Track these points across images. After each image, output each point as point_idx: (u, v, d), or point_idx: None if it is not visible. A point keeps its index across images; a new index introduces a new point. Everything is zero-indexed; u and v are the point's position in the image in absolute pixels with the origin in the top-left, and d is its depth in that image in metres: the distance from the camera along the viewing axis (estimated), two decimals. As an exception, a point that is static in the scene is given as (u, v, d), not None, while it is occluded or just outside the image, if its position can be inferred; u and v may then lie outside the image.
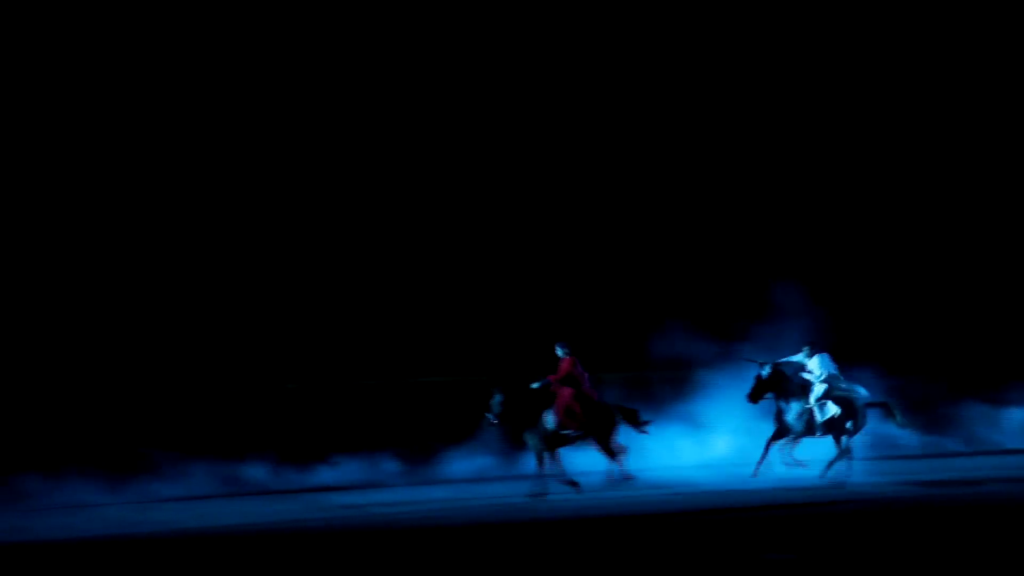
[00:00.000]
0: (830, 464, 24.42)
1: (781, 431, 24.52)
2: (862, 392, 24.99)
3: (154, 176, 30.97)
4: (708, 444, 26.55)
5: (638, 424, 24.34)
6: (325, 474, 26.89)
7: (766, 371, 24.54)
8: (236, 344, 30.27)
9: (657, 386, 28.33)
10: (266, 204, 31.38)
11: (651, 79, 32.18)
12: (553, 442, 23.75)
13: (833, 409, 24.50)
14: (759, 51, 32.60)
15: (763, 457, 24.35)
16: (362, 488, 24.37)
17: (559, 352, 24.14)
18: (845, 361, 27.51)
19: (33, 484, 27.03)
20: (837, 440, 24.64)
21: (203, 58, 30.42)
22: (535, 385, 23.82)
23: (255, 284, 30.93)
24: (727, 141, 32.51)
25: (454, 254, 31.49)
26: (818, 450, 24.90)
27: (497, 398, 23.79)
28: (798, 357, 24.95)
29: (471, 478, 23.80)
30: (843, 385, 24.85)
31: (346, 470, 26.54)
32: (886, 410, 25.17)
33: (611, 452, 23.97)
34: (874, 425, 26.15)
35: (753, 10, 32.42)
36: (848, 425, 24.61)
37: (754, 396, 24.61)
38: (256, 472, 28.64)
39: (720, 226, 32.27)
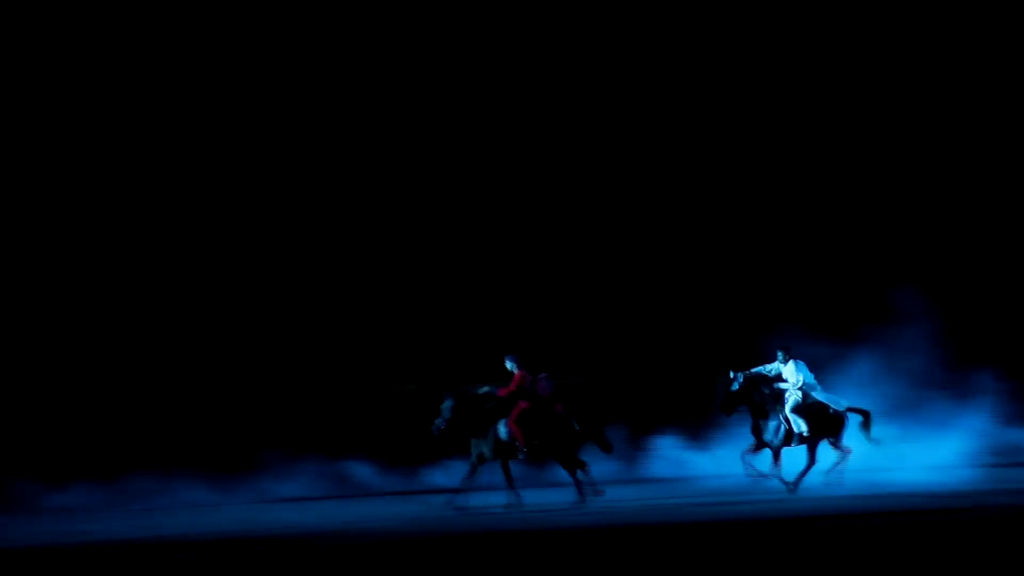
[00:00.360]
0: (832, 470, 23.88)
1: (759, 445, 23.96)
2: (840, 399, 24.26)
3: (254, 177, 31.04)
4: (824, 450, 25.97)
5: (603, 443, 23.45)
6: (439, 476, 26.82)
7: (737, 383, 23.87)
8: (352, 346, 30.29)
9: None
10: (371, 209, 31.34)
11: (771, 77, 31.77)
12: (503, 452, 23.02)
13: (807, 424, 23.77)
14: (876, 54, 32.09)
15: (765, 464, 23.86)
16: (477, 491, 24.14)
17: (509, 366, 23.15)
18: (963, 364, 26.99)
19: (147, 484, 27.25)
20: (835, 446, 24.03)
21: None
22: (482, 390, 23.07)
23: (374, 287, 30.89)
24: (849, 141, 32.01)
25: (565, 259, 31.25)
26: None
27: (447, 403, 23.06)
28: (773, 365, 24.19)
29: (590, 482, 23.40)
30: (818, 394, 24.04)
31: (461, 472, 26.41)
32: (864, 419, 24.31)
33: (571, 468, 23.05)
34: (997, 432, 25.54)
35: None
36: (830, 432, 23.95)
37: (725, 407, 23.98)
38: (366, 473, 28.71)
39: (837, 227, 31.78)
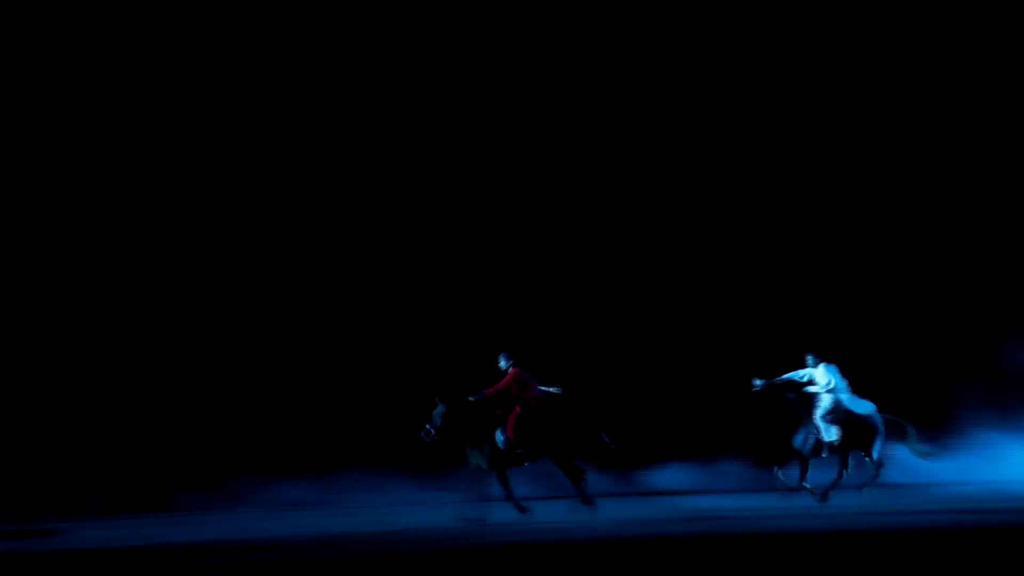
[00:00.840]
0: (863, 485, 22.38)
1: (789, 455, 22.62)
2: (870, 406, 22.61)
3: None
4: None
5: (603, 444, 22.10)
6: (664, 478, 26.34)
7: (755, 387, 22.52)
8: (587, 347, 29.94)
9: (1013, 396, 26.98)
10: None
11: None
12: (501, 461, 21.62)
13: (837, 433, 22.36)
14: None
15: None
16: (705, 493, 23.79)
17: (502, 364, 21.74)
18: None
19: (363, 480, 27.30)
20: (868, 457, 22.49)
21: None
22: (472, 398, 21.61)
23: (608, 290, 30.50)
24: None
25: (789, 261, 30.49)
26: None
27: (439, 409, 21.65)
28: (805, 371, 22.66)
29: (820, 486, 22.64)
30: (847, 400, 22.50)
31: (687, 475, 25.96)
32: (899, 430, 22.74)
33: (572, 474, 21.79)
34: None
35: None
36: (862, 442, 22.46)
37: (743, 410, 22.54)
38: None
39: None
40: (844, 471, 22.89)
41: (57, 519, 25.88)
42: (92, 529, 23.51)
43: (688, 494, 24.90)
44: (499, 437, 21.66)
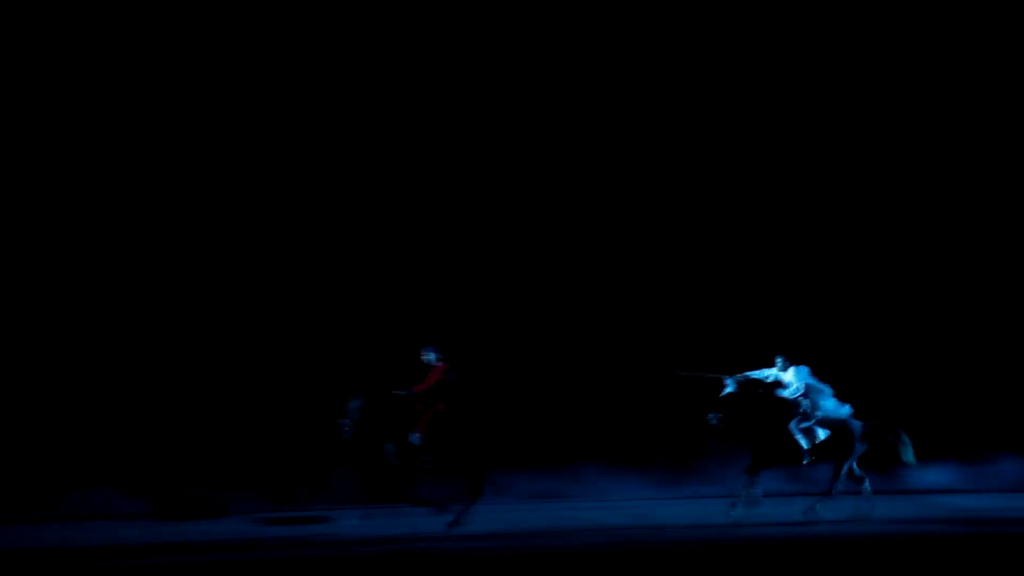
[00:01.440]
0: (860, 499, 21.43)
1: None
2: (847, 411, 21.71)
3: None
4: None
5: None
6: (929, 477, 25.84)
7: (729, 389, 21.66)
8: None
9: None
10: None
11: None
12: (409, 461, 21.44)
13: (820, 434, 21.49)
14: None
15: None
16: (972, 492, 23.31)
17: (429, 358, 21.18)
18: None
19: (591, 475, 27.07)
20: (835, 469, 21.61)
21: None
22: (400, 392, 21.34)
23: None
24: None
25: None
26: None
27: (354, 404, 20.90)
28: (771, 371, 21.79)
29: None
30: (828, 404, 21.61)
31: (954, 473, 25.48)
32: (895, 436, 21.76)
33: (479, 486, 21.43)
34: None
35: None
36: (843, 449, 21.56)
37: (717, 418, 21.67)
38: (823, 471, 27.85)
39: None
40: (860, 478, 22.00)
41: (305, 503, 26.00)
42: (349, 518, 23.62)
43: (952, 493, 24.52)
44: (413, 436, 22.36)
